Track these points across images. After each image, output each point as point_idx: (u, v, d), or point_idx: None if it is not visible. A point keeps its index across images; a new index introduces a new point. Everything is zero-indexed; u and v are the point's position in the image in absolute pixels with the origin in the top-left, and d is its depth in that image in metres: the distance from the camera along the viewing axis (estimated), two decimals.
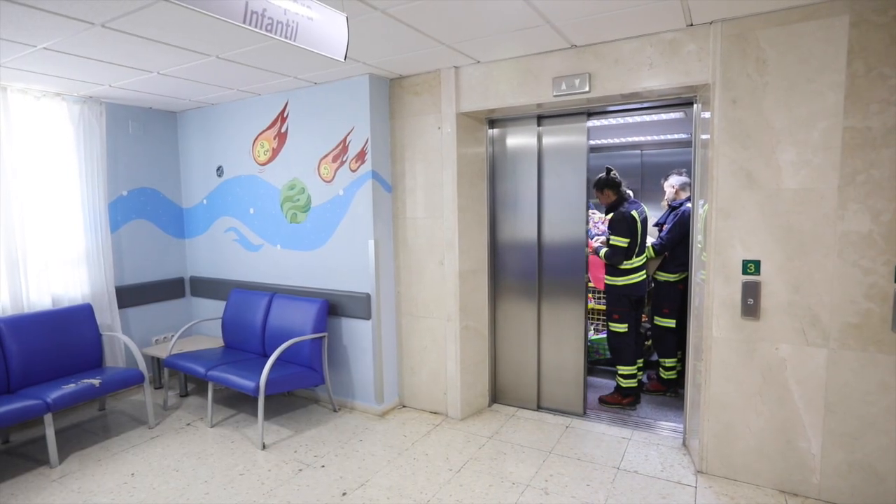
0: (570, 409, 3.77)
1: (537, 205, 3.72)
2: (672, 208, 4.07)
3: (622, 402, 3.83)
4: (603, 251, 3.84)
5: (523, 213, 3.78)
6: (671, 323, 3.94)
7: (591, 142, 6.36)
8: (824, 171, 2.48)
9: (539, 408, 3.87)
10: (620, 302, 3.86)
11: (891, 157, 2.36)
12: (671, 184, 4.09)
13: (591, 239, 4.20)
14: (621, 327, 3.85)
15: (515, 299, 3.90)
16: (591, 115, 3.56)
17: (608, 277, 3.88)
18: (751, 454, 2.78)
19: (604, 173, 3.93)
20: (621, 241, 3.72)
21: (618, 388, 3.89)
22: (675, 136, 5.76)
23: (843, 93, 2.42)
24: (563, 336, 3.78)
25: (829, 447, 2.59)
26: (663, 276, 3.97)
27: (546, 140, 3.70)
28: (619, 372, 3.87)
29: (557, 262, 3.74)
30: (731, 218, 2.70)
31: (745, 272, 2.69)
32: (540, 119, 3.67)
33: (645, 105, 3.30)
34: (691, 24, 2.71)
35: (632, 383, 3.83)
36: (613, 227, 3.78)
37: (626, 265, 3.78)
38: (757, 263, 2.66)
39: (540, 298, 3.82)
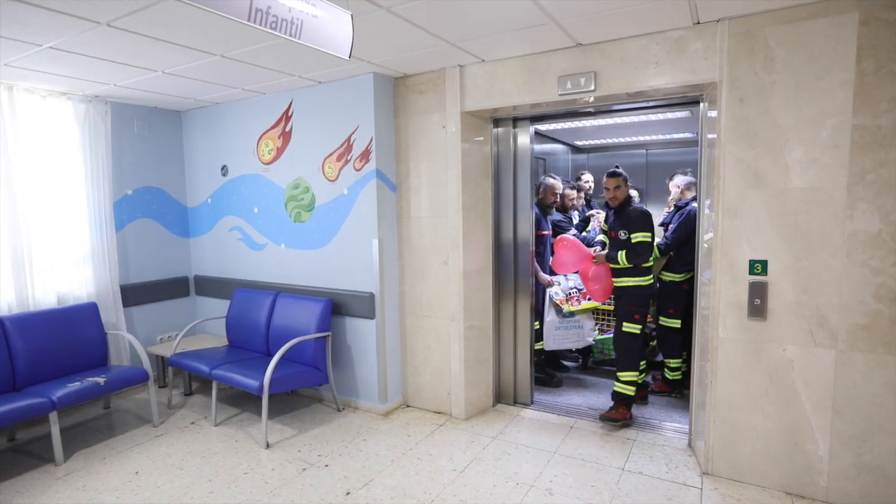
0: (523, 401, 3.95)
1: (513, 205, 3.86)
2: (678, 208, 4.04)
3: (626, 416, 3.51)
4: (622, 254, 3.52)
5: (508, 213, 3.90)
6: (676, 323, 3.92)
7: (596, 141, 6.38)
8: (833, 170, 2.46)
9: (514, 402, 3.98)
10: (644, 302, 3.62)
11: None
12: (676, 184, 4.06)
13: (595, 246, 4.09)
14: (637, 328, 3.58)
15: (508, 298, 3.99)
16: (534, 120, 3.73)
17: (631, 279, 3.57)
18: (757, 456, 2.75)
19: (614, 168, 3.73)
20: (646, 237, 3.49)
21: (620, 398, 3.56)
22: (681, 136, 5.73)
23: (852, 91, 2.39)
24: (521, 331, 3.96)
25: (837, 449, 2.56)
26: (668, 276, 3.95)
27: (518, 141, 3.82)
28: (621, 378, 3.55)
29: (521, 261, 3.92)
30: (738, 217, 2.68)
31: (751, 272, 2.67)
32: (515, 121, 3.77)
33: (651, 104, 3.28)
34: (698, 22, 2.69)
35: (631, 391, 3.54)
36: (635, 224, 3.50)
37: (650, 262, 3.60)
38: (764, 263, 2.64)
39: (516, 297, 3.95)
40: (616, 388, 3.57)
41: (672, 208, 4.16)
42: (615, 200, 3.63)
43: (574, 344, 4.27)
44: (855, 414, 2.52)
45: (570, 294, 4.27)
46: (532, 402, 3.94)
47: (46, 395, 3.13)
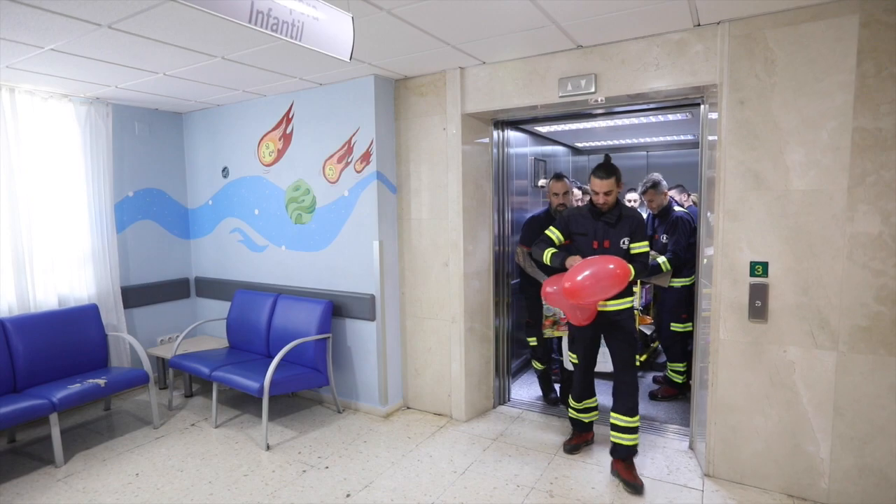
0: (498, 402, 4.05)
1: (499, 206, 3.90)
2: (660, 215, 3.89)
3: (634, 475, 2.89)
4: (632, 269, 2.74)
5: (502, 215, 3.97)
6: (690, 327, 3.77)
7: (597, 143, 6.38)
8: (833, 172, 2.46)
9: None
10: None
11: None
12: (660, 191, 3.85)
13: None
14: (638, 364, 3.10)
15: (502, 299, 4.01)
16: (510, 124, 3.83)
17: (626, 301, 2.92)
18: (758, 458, 2.75)
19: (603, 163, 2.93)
20: (648, 247, 2.96)
21: (624, 448, 2.92)
22: (682, 138, 5.74)
23: (852, 93, 2.39)
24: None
25: (839, 451, 2.56)
26: (679, 282, 3.83)
27: (498, 144, 3.89)
28: (620, 424, 2.90)
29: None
30: (739, 219, 2.68)
31: (752, 274, 2.66)
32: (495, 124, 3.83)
33: (651, 106, 3.28)
34: (698, 25, 2.70)
35: (636, 440, 2.95)
36: (641, 231, 2.91)
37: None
38: (765, 265, 2.64)
39: (500, 298, 3.99)
40: (622, 442, 2.93)
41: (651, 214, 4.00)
42: (608, 206, 2.89)
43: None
44: (856, 416, 2.51)
45: (562, 317, 3.64)
46: (509, 400, 4.03)
47: (47, 396, 3.13)
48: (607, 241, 2.93)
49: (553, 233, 3.05)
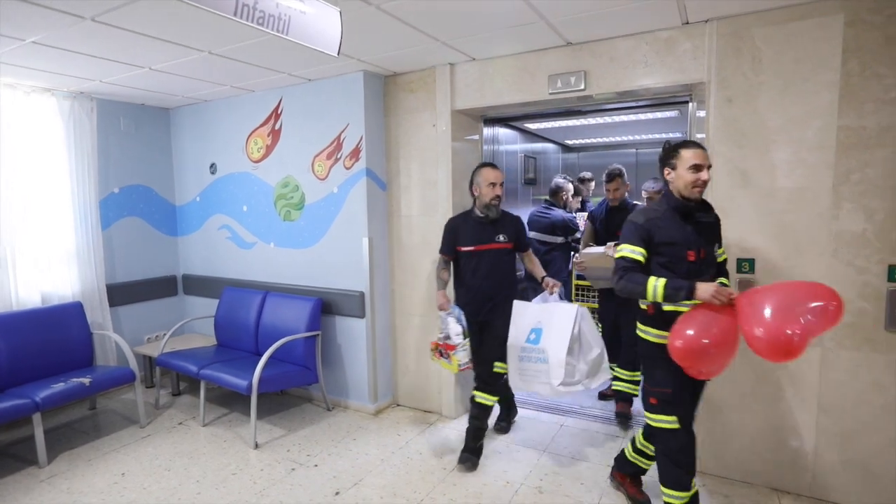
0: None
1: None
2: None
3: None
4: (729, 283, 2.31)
5: None
6: None
7: (587, 141, 6.41)
8: (819, 171, 2.49)
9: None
10: None
11: (885, 157, 2.36)
12: (645, 188, 3.80)
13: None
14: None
15: None
16: (487, 120, 3.82)
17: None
18: (745, 453, 2.78)
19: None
20: None
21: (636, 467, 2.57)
22: (671, 135, 5.78)
23: (837, 92, 2.42)
24: None
25: (823, 446, 2.59)
26: None
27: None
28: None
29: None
30: (726, 217, 2.69)
31: (739, 271, 2.69)
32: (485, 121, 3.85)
33: (640, 103, 3.30)
34: (687, 23, 2.71)
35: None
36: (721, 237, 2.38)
37: None
38: (751, 262, 2.66)
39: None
40: (639, 465, 2.59)
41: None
42: (703, 189, 2.14)
43: (540, 386, 2.72)
44: (840, 411, 2.55)
45: (441, 340, 2.97)
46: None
47: (30, 395, 3.08)
48: (703, 249, 2.17)
49: (634, 249, 2.14)
